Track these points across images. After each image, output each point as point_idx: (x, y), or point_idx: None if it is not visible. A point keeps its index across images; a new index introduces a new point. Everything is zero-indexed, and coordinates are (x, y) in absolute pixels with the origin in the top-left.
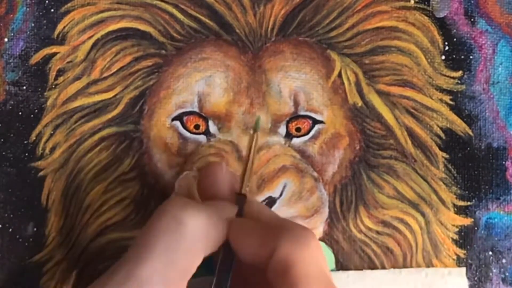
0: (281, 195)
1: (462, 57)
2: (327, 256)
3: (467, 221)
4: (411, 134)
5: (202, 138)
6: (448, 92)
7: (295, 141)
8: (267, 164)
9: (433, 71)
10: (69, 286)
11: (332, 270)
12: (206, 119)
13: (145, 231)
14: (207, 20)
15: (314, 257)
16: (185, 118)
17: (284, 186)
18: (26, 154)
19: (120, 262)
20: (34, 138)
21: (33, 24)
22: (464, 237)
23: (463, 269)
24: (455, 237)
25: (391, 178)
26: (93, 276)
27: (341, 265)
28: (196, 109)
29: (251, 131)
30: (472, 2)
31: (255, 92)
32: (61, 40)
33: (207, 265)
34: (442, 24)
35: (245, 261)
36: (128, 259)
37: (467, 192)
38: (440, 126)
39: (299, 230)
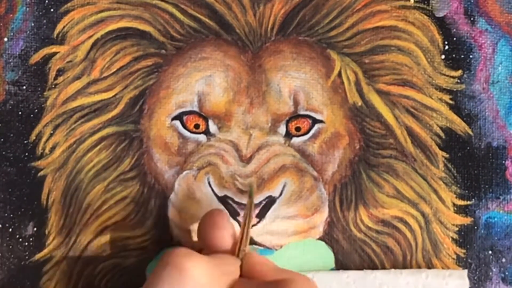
0: (281, 194)
1: (462, 56)
2: (327, 255)
3: (467, 220)
4: (411, 133)
5: (202, 137)
6: (448, 91)
7: (295, 140)
8: (267, 164)
9: (432, 71)
10: (69, 286)
11: (331, 270)
12: (206, 119)
13: (149, 282)
14: (207, 20)
15: None
16: (185, 118)
17: (284, 186)
18: (26, 154)
19: None
20: (34, 138)
21: (33, 24)
22: (464, 236)
23: (465, 272)
24: (455, 236)
25: (391, 177)
26: (93, 276)
27: (341, 264)
28: (196, 109)
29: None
30: (472, 1)
31: (255, 92)
32: (61, 39)
33: None
34: (442, 24)
35: None
36: None
37: (467, 191)
38: (440, 126)
39: (301, 280)
